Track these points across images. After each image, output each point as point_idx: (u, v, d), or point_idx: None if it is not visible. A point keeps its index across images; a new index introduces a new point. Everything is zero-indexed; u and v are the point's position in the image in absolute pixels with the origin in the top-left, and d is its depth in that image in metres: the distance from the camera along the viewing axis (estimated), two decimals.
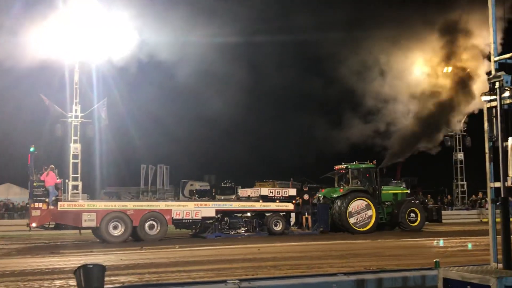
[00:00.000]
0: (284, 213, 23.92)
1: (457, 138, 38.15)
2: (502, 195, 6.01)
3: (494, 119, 6.10)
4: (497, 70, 6.17)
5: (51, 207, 20.89)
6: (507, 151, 5.93)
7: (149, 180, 43.13)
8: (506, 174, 5.97)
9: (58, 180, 21.72)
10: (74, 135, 30.50)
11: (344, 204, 24.18)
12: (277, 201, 23.87)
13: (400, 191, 26.67)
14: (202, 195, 39.85)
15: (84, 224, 21.06)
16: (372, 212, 24.38)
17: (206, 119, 49.09)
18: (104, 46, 29.45)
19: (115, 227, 21.23)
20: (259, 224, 23.46)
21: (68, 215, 21.05)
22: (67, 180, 30.37)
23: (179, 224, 22.64)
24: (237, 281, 6.24)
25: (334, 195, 25.02)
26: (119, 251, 17.14)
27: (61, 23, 28.59)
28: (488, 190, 6.29)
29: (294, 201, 24.17)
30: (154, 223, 21.78)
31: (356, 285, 6.72)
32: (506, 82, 5.90)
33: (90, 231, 22.03)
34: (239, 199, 26.61)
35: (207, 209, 22.85)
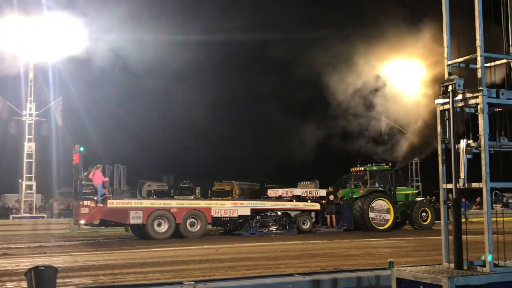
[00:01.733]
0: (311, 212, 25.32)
1: None
2: (454, 197, 6.14)
3: (447, 121, 6.22)
4: (450, 74, 6.30)
5: (100, 205, 21.60)
6: (459, 153, 6.06)
7: None
8: (458, 176, 6.09)
9: (106, 178, 22.70)
10: (29, 134, 29.82)
11: (365, 203, 25.49)
12: (309, 201, 25.33)
13: (411, 192, 28.61)
14: (160, 195, 39.51)
15: (132, 221, 21.79)
16: (390, 211, 25.86)
17: (166, 119, 48.73)
18: (60, 44, 28.95)
19: (159, 224, 22.08)
20: (289, 223, 24.73)
21: (117, 213, 21.79)
22: (20, 180, 29.68)
23: (218, 221, 23.68)
24: (192, 282, 6.19)
25: (354, 196, 26.27)
26: (74, 253, 16.82)
27: (16, 20, 28.01)
28: (441, 192, 6.41)
29: (324, 201, 25.68)
30: (194, 220, 22.74)
31: (312, 285, 6.75)
32: (459, 86, 6.02)
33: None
34: (268, 198, 27.66)
35: (243, 207, 24.06)
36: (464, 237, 5.98)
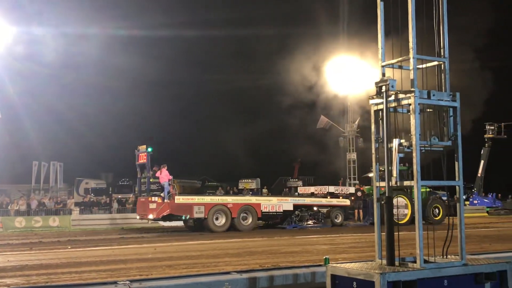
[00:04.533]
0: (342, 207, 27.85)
1: (350, 139, 39.60)
2: (386, 194, 6.29)
3: (381, 121, 6.37)
4: (383, 75, 6.46)
5: (167, 200, 23.64)
6: (392, 152, 6.22)
7: (41, 177, 41.18)
8: (390, 174, 6.25)
9: (170, 176, 24.35)
10: None
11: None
12: (340, 197, 27.71)
13: (424, 189, 30.13)
14: (98, 193, 38.72)
15: (195, 215, 24.03)
16: (408, 207, 27.73)
17: (107, 114, 47.72)
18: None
19: (216, 219, 24.36)
20: (324, 217, 27.12)
21: (183, 208, 23.91)
22: None
23: (266, 216, 25.90)
24: (127, 282, 6.09)
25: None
26: (7, 252, 16.25)
27: None
28: (374, 189, 6.56)
29: (352, 197, 28.11)
30: (246, 215, 25.11)
31: (249, 283, 6.78)
32: (392, 87, 6.18)
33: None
34: (299, 195, 29.82)
35: (287, 203, 26.42)
36: (396, 234, 6.13)
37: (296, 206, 26.65)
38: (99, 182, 45.67)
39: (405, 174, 29.36)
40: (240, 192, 39.93)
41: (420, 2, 6.23)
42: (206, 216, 24.05)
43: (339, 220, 27.19)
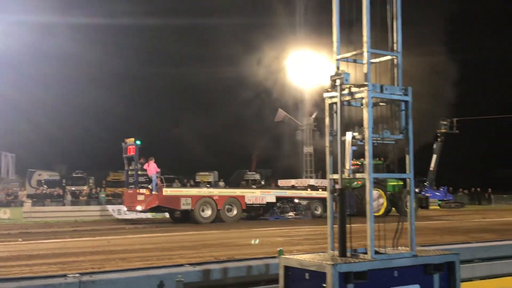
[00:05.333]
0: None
1: (307, 132, 39.87)
2: (339, 187, 6.35)
3: (335, 114, 6.41)
4: (338, 69, 6.50)
5: (155, 192, 24.18)
6: (345, 145, 6.27)
7: None
8: (343, 167, 6.31)
9: (158, 169, 24.93)
10: None
11: (363, 194, 27.46)
12: (320, 189, 28.38)
13: (397, 183, 31.65)
14: (51, 185, 37.95)
15: (182, 207, 24.54)
16: (383, 200, 29.20)
17: (64, 105, 46.72)
18: None
19: (202, 210, 24.91)
20: (304, 209, 27.93)
21: (171, 200, 24.47)
22: None
23: (250, 208, 26.69)
24: (77, 275, 5.97)
25: (353, 186, 27.77)
26: None
27: None
28: (328, 182, 6.62)
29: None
30: (231, 207, 25.81)
31: (202, 275, 6.74)
32: (346, 80, 6.22)
33: None
34: (279, 188, 30.37)
35: (270, 195, 27.27)
36: (348, 226, 6.20)
37: (278, 198, 27.46)
38: (53, 174, 44.75)
39: (381, 168, 29.50)
40: (197, 185, 39.77)
41: None
42: (193, 208, 24.53)
43: (318, 211, 27.97)
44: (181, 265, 7.06)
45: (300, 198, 28.28)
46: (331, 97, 6.41)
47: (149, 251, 13.94)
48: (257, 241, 19.88)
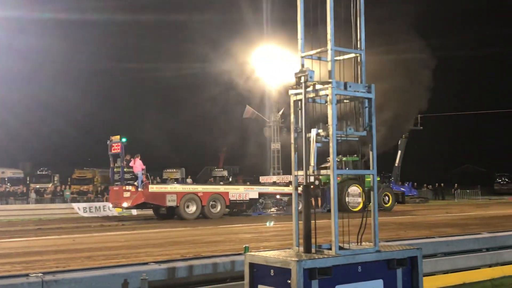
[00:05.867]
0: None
1: (274, 128, 39.98)
2: (304, 183, 6.39)
3: (300, 111, 6.44)
4: (303, 66, 6.53)
5: (140, 189, 24.34)
6: (310, 142, 6.31)
7: None
8: (308, 163, 6.35)
9: (143, 166, 25.03)
10: None
11: (343, 190, 29.21)
12: (301, 186, 27.31)
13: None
14: (15, 183, 37.25)
15: (168, 203, 24.86)
16: (361, 195, 29.40)
17: (26, 101, 45.81)
18: None
19: (187, 207, 25.30)
20: (286, 205, 28.16)
21: (157, 196, 24.71)
22: None
23: (234, 204, 26.92)
24: (40, 274, 5.88)
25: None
26: None
27: None
28: (292, 178, 6.65)
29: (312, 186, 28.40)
30: (215, 203, 26.18)
31: (167, 273, 6.71)
32: (310, 77, 6.25)
33: None
34: (260, 184, 30.44)
35: (253, 191, 27.58)
36: (313, 222, 6.24)
37: (260, 195, 27.82)
38: (16, 172, 43.89)
39: (359, 164, 32.12)
40: (164, 182, 39.55)
41: None
42: (178, 205, 24.91)
43: (299, 207, 28.05)
44: (146, 263, 7.03)
45: (281, 194, 28.66)
46: (296, 94, 6.43)
47: (115, 249, 13.81)
48: (271, 223, 20.51)
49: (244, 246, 7.51)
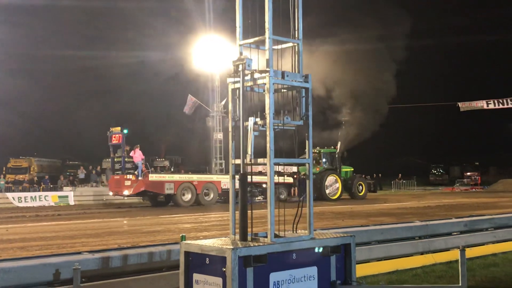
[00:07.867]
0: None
1: (217, 118, 39.78)
2: (241, 171, 6.40)
3: (237, 100, 6.43)
4: (241, 54, 6.50)
5: (141, 178, 25.77)
6: (247, 130, 6.31)
7: None
8: (245, 152, 6.36)
9: (143, 156, 26.44)
10: None
11: (322, 179, 31.28)
12: (285, 175, 28.74)
13: (349, 169, 34.81)
14: None
15: (166, 191, 26.42)
16: (339, 185, 32.27)
17: None
18: None
19: (183, 194, 26.84)
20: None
21: (156, 185, 26.13)
22: None
23: (225, 192, 27.25)
24: None
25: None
26: None
27: None
28: (230, 167, 6.64)
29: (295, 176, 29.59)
30: (208, 191, 27.85)
31: (101, 263, 6.58)
32: (248, 66, 6.24)
33: None
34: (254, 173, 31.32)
35: None
36: (249, 211, 6.26)
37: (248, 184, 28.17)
38: None
39: (335, 155, 33.27)
40: (103, 172, 38.86)
41: None
42: (175, 193, 26.49)
43: (283, 196, 29.35)
44: (79, 252, 6.87)
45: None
46: (234, 83, 6.42)
47: (50, 240, 13.47)
48: None
49: (180, 235, 7.46)
